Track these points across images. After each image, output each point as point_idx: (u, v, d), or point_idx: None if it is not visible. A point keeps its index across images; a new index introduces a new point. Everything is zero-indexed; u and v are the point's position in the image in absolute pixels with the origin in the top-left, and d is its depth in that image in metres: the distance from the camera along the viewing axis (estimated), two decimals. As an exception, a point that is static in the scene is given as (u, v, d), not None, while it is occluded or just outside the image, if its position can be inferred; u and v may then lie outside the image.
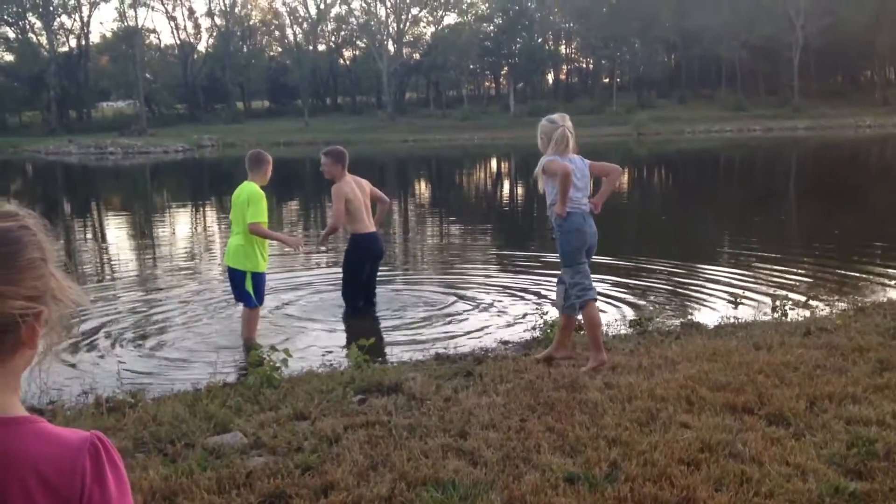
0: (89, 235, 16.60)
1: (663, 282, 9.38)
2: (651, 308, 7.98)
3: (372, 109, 77.66)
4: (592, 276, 8.87)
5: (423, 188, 29.68)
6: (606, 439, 3.69)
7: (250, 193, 6.41)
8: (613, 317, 7.53)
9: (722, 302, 8.19)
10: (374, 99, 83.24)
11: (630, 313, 7.69)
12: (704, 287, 9.07)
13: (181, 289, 9.57)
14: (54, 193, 30.28)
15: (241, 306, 6.85)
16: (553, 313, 7.02)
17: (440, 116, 70.82)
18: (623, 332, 6.65)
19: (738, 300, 8.00)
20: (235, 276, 6.51)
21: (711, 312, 7.60)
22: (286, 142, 58.23)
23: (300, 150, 53.19)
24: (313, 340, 6.96)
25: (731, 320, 6.93)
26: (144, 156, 48.62)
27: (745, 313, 7.43)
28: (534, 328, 6.54)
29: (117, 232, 17.59)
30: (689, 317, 7.09)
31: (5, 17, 72.93)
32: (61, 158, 48.31)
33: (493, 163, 43.00)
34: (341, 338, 7.17)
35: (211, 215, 20.90)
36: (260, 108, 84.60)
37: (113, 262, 12.68)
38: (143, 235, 16.44)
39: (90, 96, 78.78)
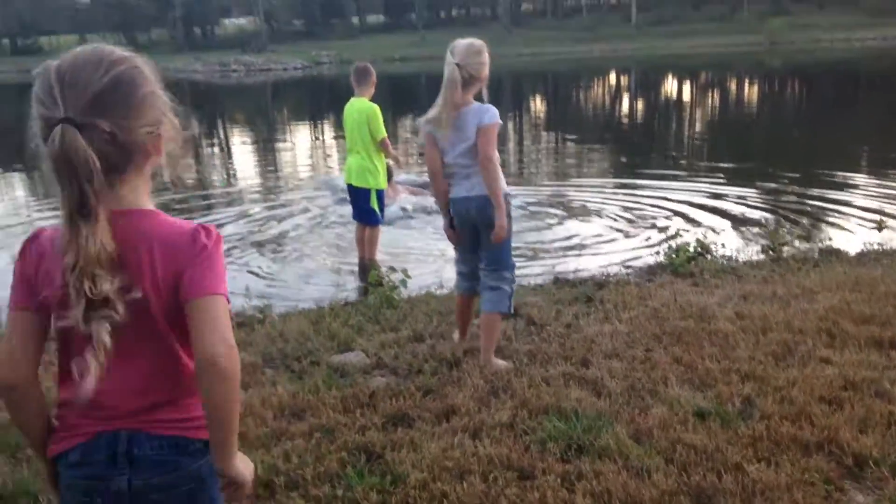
0: (216, 150, 17.19)
1: (798, 203, 8.83)
2: (785, 231, 7.53)
3: (487, 21, 76.03)
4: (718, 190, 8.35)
5: (538, 104, 28.99)
6: (739, 373, 3.51)
7: (369, 110, 6.35)
8: (743, 241, 7.17)
9: (863, 226, 7.65)
10: (490, 11, 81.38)
11: (762, 237, 7.29)
12: (843, 210, 8.49)
13: (301, 205, 9.77)
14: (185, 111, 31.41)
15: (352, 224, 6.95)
16: (682, 237, 6.75)
17: (558, 28, 68.56)
18: (755, 257, 6.31)
19: (881, 225, 7.44)
20: (360, 195, 6.54)
21: (852, 238, 7.11)
22: (402, 57, 58.03)
23: (416, 65, 52.93)
24: (431, 260, 6.97)
25: (875, 247, 6.44)
26: (265, 73, 49.72)
27: (890, 239, 6.91)
28: (657, 252, 6.29)
29: (241, 148, 18.17)
30: (828, 242, 6.64)
31: (132, -65, 74.96)
32: (189, 76, 50.00)
33: (613, 77, 41.37)
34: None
35: (329, 132, 21.22)
36: (375, 23, 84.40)
37: (237, 177, 13.10)
38: (265, 151, 16.90)
39: (213, 13, 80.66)
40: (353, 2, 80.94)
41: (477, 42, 3.76)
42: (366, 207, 6.57)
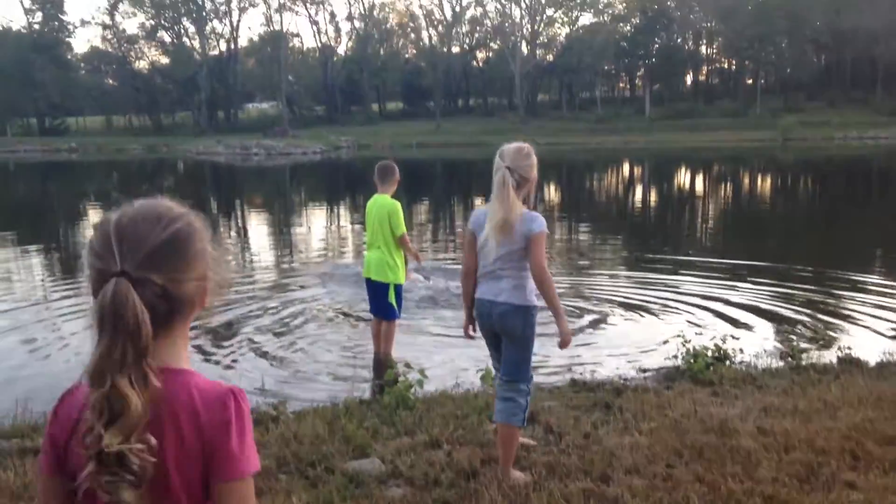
0: (232, 233, 17.41)
1: (814, 305, 8.80)
2: (802, 336, 7.50)
3: (504, 111, 77.73)
4: (732, 288, 8.10)
5: (552, 192, 29.33)
6: (763, 496, 3.43)
7: (391, 207, 6.47)
8: (761, 345, 7.11)
9: (883, 333, 7.59)
10: (506, 101, 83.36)
11: (780, 341, 7.24)
12: (862, 314, 8.43)
13: (314, 292, 9.82)
14: (203, 191, 32.14)
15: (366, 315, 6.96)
16: (697, 339, 6.70)
17: (573, 119, 69.95)
18: (774, 364, 6.24)
19: (901, 333, 7.39)
20: (378, 289, 6.59)
21: (872, 346, 7.02)
22: (419, 143, 59.24)
23: (433, 151, 54.03)
24: (446, 356, 6.92)
25: (896, 357, 6.37)
26: (285, 157, 50.72)
27: (911, 349, 6.82)
28: (675, 356, 6.23)
29: (256, 230, 18.39)
30: (847, 350, 6.55)
31: (162, 21, 78.04)
32: (210, 158, 51.13)
33: (626, 168, 41.98)
34: (475, 353, 7.08)
35: (344, 216, 21.52)
36: (394, 110, 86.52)
37: (251, 261, 13.21)
38: (279, 234, 17.11)
39: (237, 97, 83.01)
40: (374, 90, 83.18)
41: (525, 145, 3.85)
42: (384, 302, 6.60)
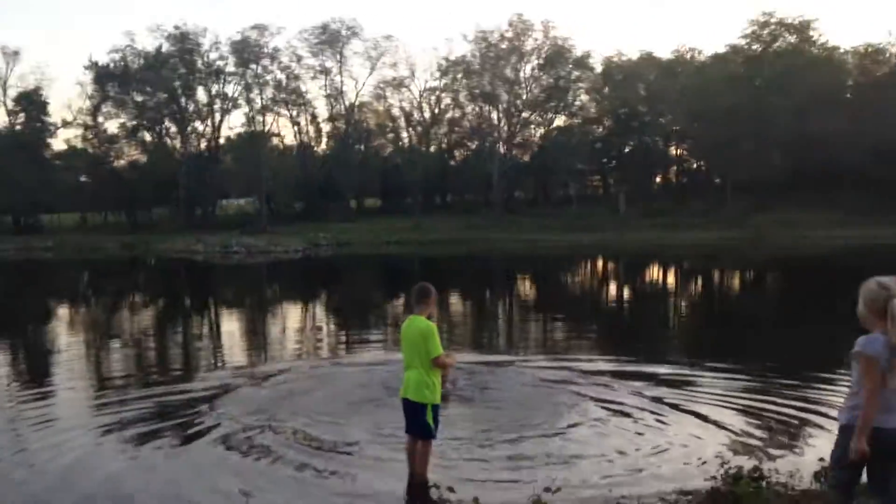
0: (205, 330, 17.25)
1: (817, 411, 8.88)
2: (819, 451, 7.54)
3: (480, 208, 78.95)
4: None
5: (528, 288, 29.62)
6: None
7: (425, 328, 6.58)
8: (791, 461, 7.13)
9: None
10: (483, 198, 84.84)
11: (796, 453, 7.27)
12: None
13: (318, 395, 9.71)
14: (179, 289, 32.01)
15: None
16: (736, 460, 6.72)
17: (549, 216, 71.22)
18: (813, 486, 6.27)
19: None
20: (416, 410, 6.65)
21: None
22: (397, 240, 59.79)
23: (411, 248, 54.57)
24: (486, 475, 6.96)
25: None
26: (265, 255, 50.80)
27: None
28: (714, 477, 6.21)
29: (230, 326, 18.19)
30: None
31: (144, 122, 79.02)
32: (190, 256, 51.08)
33: (600, 264, 42.83)
34: (520, 472, 7.09)
35: (320, 313, 21.50)
36: (372, 207, 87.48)
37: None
38: (254, 333, 16.92)
39: (215, 194, 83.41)
40: (352, 187, 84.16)
41: None
42: (422, 421, 6.64)
